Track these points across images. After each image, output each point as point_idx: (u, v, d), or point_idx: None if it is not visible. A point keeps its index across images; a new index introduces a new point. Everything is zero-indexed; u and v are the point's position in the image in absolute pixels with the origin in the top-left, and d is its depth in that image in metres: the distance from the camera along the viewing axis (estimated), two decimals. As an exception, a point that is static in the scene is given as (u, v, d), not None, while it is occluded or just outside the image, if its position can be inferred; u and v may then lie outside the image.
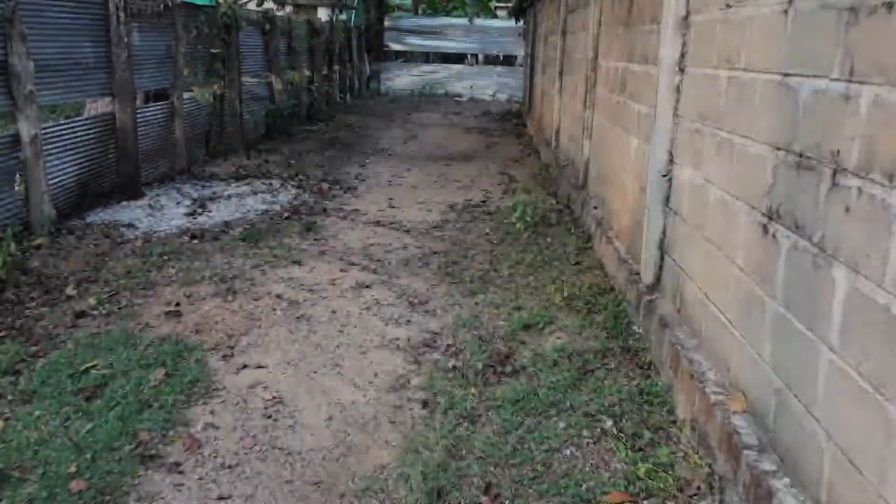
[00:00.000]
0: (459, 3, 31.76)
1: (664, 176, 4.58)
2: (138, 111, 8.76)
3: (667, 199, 4.58)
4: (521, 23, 20.82)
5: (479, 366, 4.20)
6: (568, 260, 6.28)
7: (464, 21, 26.89)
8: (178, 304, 5.18)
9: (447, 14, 32.04)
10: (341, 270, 6.08)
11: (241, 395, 3.92)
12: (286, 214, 7.73)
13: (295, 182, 9.39)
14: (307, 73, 16.51)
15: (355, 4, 26.00)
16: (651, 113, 5.21)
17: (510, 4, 24.67)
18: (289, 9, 22.27)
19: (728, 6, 3.67)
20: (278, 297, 5.41)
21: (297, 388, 4.03)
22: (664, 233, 4.63)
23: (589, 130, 7.87)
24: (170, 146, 9.57)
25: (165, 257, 6.16)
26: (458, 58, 30.19)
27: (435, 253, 6.64)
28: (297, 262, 6.22)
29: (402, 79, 25.37)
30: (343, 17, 26.13)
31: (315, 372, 4.23)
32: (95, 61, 7.73)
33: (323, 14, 21.98)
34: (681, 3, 4.38)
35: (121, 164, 8.15)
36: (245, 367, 4.27)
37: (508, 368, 4.21)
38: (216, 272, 5.82)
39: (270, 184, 9.01)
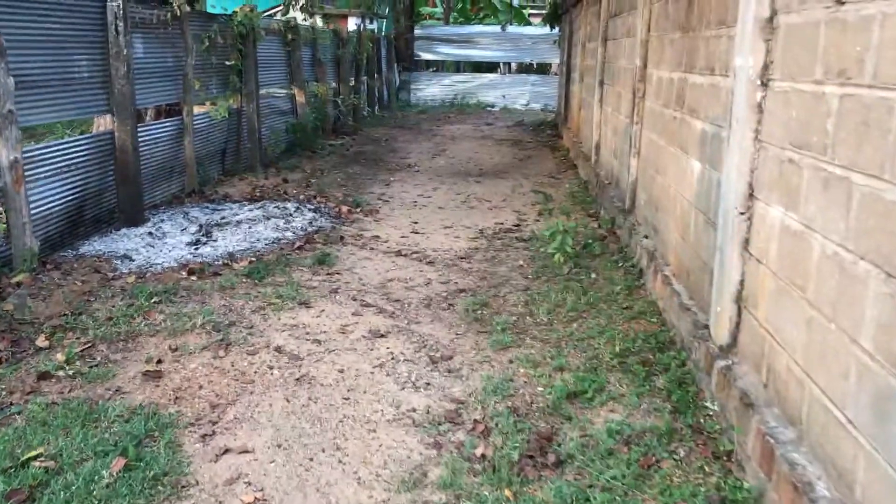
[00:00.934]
0: (492, 10, 31.02)
1: (742, 213, 3.72)
2: (143, 129, 8.10)
3: (745, 241, 3.71)
4: (555, 30, 19.97)
5: (515, 455, 3.36)
6: (616, 302, 5.42)
7: (496, 29, 26.11)
8: (159, 362, 4.43)
9: (479, 22, 31.33)
10: (354, 314, 5.28)
11: (216, 496, 3.13)
12: (298, 244, 6.97)
13: (312, 205, 8.64)
14: (333, 84, 15.85)
15: (386, 13, 25.38)
16: (720, 133, 4.35)
17: (544, 11, 23.84)
18: (318, 19, 21.71)
19: (840, 2, 2.81)
20: (278, 350, 4.62)
21: (287, 484, 3.23)
22: (742, 283, 3.76)
23: (637, 147, 7.01)
24: (179, 166, 8.90)
25: (156, 299, 5.43)
26: (491, 67, 29.45)
27: (461, 291, 5.82)
28: (305, 304, 5.45)
29: (432, 89, 24.63)
30: (373, 26, 25.54)
31: (311, 459, 3.42)
32: (91, 76, 7.06)
33: (353, 24, 21.37)
34: (763, 1, 3.53)
35: (121, 188, 7.47)
36: (227, 451, 3.48)
37: (551, 458, 3.36)
38: (210, 318, 5.06)
39: (285, 207, 8.26)
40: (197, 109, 9.84)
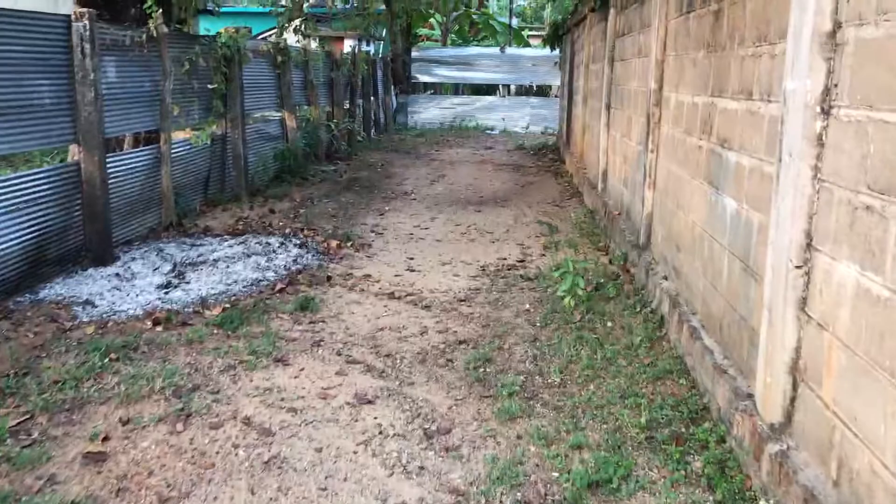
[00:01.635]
0: (490, 32, 30.61)
1: (798, 267, 3.08)
2: (115, 159, 7.49)
3: (802, 300, 3.07)
4: (556, 51, 19.44)
5: (528, 577, 2.69)
6: (637, 357, 4.76)
7: (495, 51, 25.64)
8: (106, 439, 3.76)
9: (478, 44, 30.90)
10: (338, 373, 4.62)
11: None
12: (280, 286, 6.31)
13: (299, 239, 8.00)
14: (327, 108, 15.29)
15: (383, 36, 24.89)
16: (762, 168, 3.72)
17: (544, 32, 23.35)
18: (313, 42, 21.17)
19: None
20: (246, 422, 3.96)
21: None
22: (798, 351, 3.11)
23: (652, 178, 6.38)
24: (156, 198, 8.26)
25: (114, 355, 4.77)
26: (490, 89, 28.98)
27: (461, 342, 5.16)
28: (282, 361, 4.78)
29: (430, 112, 24.09)
30: (370, 48, 25.03)
31: (274, 580, 2.76)
32: (55, 102, 6.45)
33: (349, 46, 20.88)
34: (823, 10, 2.91)
35: (88, 224, 6.83)
36: (171, 567, 2.81)
37: (573, 579, 2.70)
38: (171, 381, 4.40)
39: (268, 242, 7.61)
40: (180, 136, 9.28)
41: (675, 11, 5.86)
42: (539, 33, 29.30)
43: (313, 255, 7.38)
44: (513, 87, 28.56)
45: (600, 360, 4.71)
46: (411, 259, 7.55)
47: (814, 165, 2.99)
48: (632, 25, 8.00)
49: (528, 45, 29.17)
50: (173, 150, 8.62)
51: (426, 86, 27.07)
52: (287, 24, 20.60)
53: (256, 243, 7.55)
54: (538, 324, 5.49)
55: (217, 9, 14.67)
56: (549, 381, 4.46)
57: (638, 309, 5.62)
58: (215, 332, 5.26)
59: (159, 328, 5.31)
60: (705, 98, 4.87)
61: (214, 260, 6.96)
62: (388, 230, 8.95)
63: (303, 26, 20.95)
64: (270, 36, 20.64)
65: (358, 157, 15.60)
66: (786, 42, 3.30)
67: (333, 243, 7.87)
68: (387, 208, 10.42)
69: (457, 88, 29.18)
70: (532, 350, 4.95)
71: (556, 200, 11.28)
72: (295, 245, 7.64)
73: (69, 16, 6.59)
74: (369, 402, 4.23)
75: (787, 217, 3.17)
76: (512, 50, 25.91)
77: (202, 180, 9.68)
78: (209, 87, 9.45)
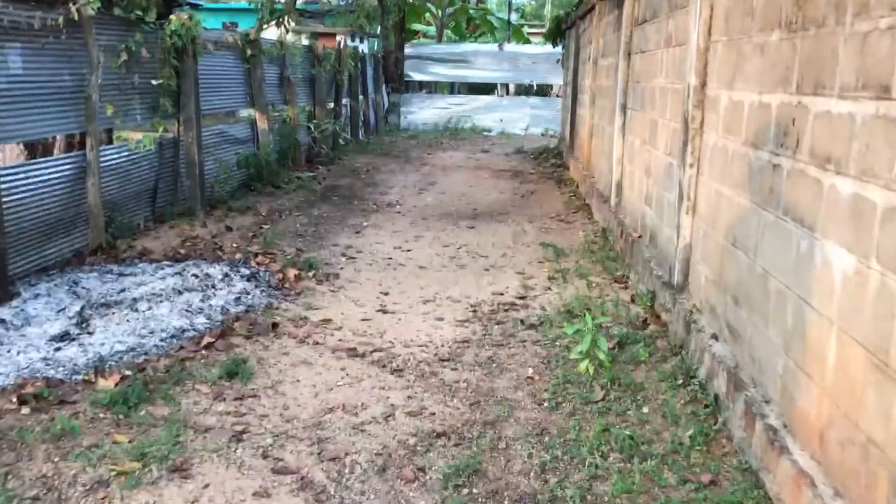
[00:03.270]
0: (488, 28, 29.17)
1: None
2: (14, 170, 6.06)
3: None
4: (558, 47, 18.00)
5: None
6: (689, 467, 3.32)
7: (493, 48, 24.18)
8: None
9: (475, 40, 29.47)
10: (256, 494, 3.18)
11: None
12: (208, 339, 4.85)
13: (249, 268, 6.54)
14: (307, 108, 13.85)
15: (378, 32, 23.47)
16: (916, 210, 2.29)
17: (545, 29, 21.93)
18: (303, 37, 19.72)
19: None
20: None
21: None
22: None
23: (691, 200, 4.95)
24: (81, 216, 6.81)
25: (-61, 460, 3.34)
26: (487, 88, 27.54)
27: (439, 435, 3.72)
28: (179, 471, 3.33)
29: (424, 112, 22.60)
30: (363, 45, 23.58)
31: None
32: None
33: (337, 41, 19.44)
34: None
35: (-25, 253, 5.41)
36: None
37: None
38: (2, 513, 2.98)
39: (208, 274, 6.14)
40: (137, 136, 7.86)
41: (727, -17, 4.44)
42: (539, 30, 27.94)
43: (263, 291, 5.93)
44: (512, 87, 27.12)
45: (638, 474, 3.26)
46: (386, 294, 6.11)
47: None
48: (656, 10, 6.57)
49: (527, 41, 27.77)
50: (106, 158, 7.20)
51: (420, 84, 25.63)
52: (269, 18, 19.17)
53: (194, 275, 6.09)
54: (546, 402, 4.05)
55: (184, -2, 13.18)
56: (564, 513, 3.03)
57: (680, 381, 4.19)
58: (101, 416, 3.81)
59: (26, 410, 3.86)
60: (784, 97, 3.44)
61: (135, 299, 5.51)
62: (363, 253, 7.51)
63: (284, 19, 19.49)
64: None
65: (341, 162, 14.16)
66: None
67: (291, 273, 6.41)
68: (365, 224, 8.98)
69: (453, 87, 27.75)
70: (539, 452, 3.51)
71: (560, 214, 9.85)
72: (242, 277, 6.18)
73: (-55, -11, 5.17)
74: (294, 553, 2.80)
75: None
76: (511, 47, 24.43)
77: (150, 192, 8.24)
78: (153, 82, 8.00)
